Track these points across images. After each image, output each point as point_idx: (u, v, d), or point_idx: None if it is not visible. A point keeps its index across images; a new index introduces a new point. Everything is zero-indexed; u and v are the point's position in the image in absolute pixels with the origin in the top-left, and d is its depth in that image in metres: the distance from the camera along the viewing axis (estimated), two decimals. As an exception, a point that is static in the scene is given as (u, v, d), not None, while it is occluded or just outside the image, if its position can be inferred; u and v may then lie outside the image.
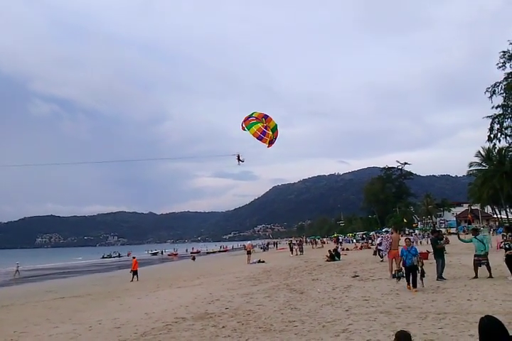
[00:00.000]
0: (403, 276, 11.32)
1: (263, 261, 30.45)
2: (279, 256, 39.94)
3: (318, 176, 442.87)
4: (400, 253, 11.66)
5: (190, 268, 33.52)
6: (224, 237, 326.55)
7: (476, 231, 13.69)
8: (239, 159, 16.27)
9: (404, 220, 70.22)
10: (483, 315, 6.84)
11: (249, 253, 35.05)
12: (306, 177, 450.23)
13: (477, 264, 12.23)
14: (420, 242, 36.49)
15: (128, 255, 73.28)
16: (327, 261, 25.25)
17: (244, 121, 15.17)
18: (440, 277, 12.55)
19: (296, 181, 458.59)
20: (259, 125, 15.08)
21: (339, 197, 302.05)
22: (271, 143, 15.41)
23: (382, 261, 20.58)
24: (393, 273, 12.70)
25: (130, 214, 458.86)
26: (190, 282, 19.62)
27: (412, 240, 16.12)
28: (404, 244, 11.51)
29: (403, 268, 11.24)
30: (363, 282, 13.72)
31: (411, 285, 10.78)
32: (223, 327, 8.18)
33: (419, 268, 10.90)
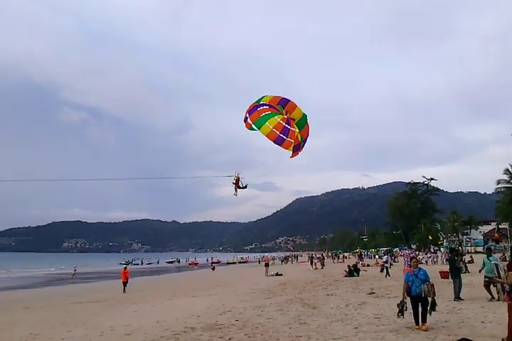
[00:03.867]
0: (405, 310, 8.37)
1: (281, 274, 30.25)
2: (298, 269, 39.60)
3: (342, 189, 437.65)
4: (404, 277, 8.81)
5: (209, 278, 33.65)
6: (245, 248, 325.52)
7: (489, 251, 13.16)
8: (237, 185, 11.32)
9: (430, 237, 68.30)
10: (495, 340, 6.63)
11: (267, 265, 34.93)
12: (330, 190, 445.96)
13: (486, 285, 11.79)
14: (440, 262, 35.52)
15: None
16: (345, 276, 24.91)
17: (250, 112, 9.84)
18: (457, 297, 12.20)
19: (320, 194, 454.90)
20: (277, 119, 9.80)
21: (363, 211, 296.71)
22: (297, 149, 10.02)
23: (386, 277, 22.53)
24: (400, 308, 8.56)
25: (154, 222, 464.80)
26: (206, 291, 19.70)
27: (423, 259, 14.54)
28: (407, 266, 9.71)
29: (407, 299, 8.39)
30: (378, 299, 13.48)
31: (420, 321, 8.20)
32: (229, 339, 8.22)
33: (430, 299, 8.21)
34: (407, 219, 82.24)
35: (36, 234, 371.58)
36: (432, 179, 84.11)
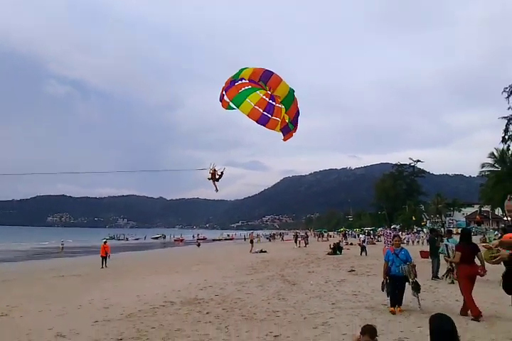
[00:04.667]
0: (386, 291, 8.01)
1: (265, 251, 30.61)
2: (283, 247, 40.10)
3: (329, 170, 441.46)
4: (384, 256, 8.37)
5: (193, 254, 33.88)
6: (232, 225, 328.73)
7: (450, 234, 12.69)
8: (214, 178, 10.03)
9: (413, 218, 69.65)
10: (468, 317, 6.74)
11: (252, 242, 35.30)
12: (318, 170, 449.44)
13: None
14: (421, 242, 36.33)
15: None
16: (328, 254, 25.30)
17: (227, 89, 8.55)
18: (435, 276, 12.45)
19: (308, 173, 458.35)
20: (259, 94, 8.69)
21: (350, 192, 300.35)
22: (287, 131, 8.75)
23: (362, 255, 23.89)
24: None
25: (140, 198, 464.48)
26: (189, 268, 19.81)
27: (405, 239, 13.69)
28: (390, 245, 9.00)
29: (386, 280, 8.00)
30: (358, 277, 13.71)
31: (396, 305, 7.76)
32: (207, 313, 8.26)
33: (411, 280, 7.85)
34: (392, 200, 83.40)
35: (20, 208, 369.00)
36: (418, 161, 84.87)
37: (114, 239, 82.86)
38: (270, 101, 8.71)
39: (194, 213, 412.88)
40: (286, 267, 18.05)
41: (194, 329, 6.93)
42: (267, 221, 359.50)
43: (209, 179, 10.16)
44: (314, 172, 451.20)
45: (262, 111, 8.72)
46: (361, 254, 24.14)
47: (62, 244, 43.74)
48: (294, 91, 8.53)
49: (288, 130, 8.76)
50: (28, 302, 10.49)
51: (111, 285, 13.76)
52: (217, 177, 10.14)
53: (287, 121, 8.59)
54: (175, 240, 78.81)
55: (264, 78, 8.08)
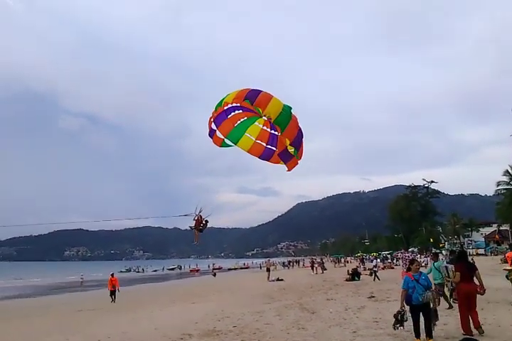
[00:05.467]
0: (405, 320, 7.29)
1: (282, 279, 30.12)
2: (299, 273, 39.47)
3: (342, 193, 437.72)
4: (402, 283, 7.59)
5: (209, 284, 33.52)
6: (247, 254, 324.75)
7: (436, 257, 12.14)
8: (198, 227, 8.99)
9: (431, 240, 68.11)
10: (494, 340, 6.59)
11: (268, 270, 34.81)
12: (331, 195, 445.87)
13: (438, 294, 10.28)
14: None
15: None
16: (346, 280, 24.80)
17: (217, 122, 7.68)
18: (456, 298, 12.11)
19: (321, 198, 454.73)
20: (258, 124, 7.90)
21: (364, 215, 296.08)
22: (287, 158, 7.63)
23: (374, 280, 23.50)
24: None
25: (155, 229, 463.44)
26: (206, 298, 19.62)
27: (423, 262, 12.39)
28: (407, 270, 8.09)
29: (406, 309, 7.32)
30: (378, 303, 13.41)
31: (425, 335, 7.13)
32: (226, 344, 8.17)
33: (432, 308, 7.33)
34: (407, 222, 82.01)
35: (37, 243, 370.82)
36: (432, 182, 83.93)
37: (130, 271, 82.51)
38: (272, 131, 7.86)
39: (208, 242, 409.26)
40: (304, 295, 17.75)
41: (214, 361, 6.86)
42: (282, 248, 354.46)
43: (191, 228, 8.97)
44: (327, 197, 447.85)
45: (264, 144, 7.89)
46: (374, 280, 23.71)
47: (81, 278, 44.08)
48: (290, 108, 7.46)
49: (289, 156, 7.63)
50: (46, 336, 10.50)
51: (128, 317, 13.69)
52: (201, 226, 8.95)
53: (287, 144, 7.48)
54: (191, 270, 78.13)
55: (251, 97, 7.09)
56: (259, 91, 7.17)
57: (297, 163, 7.91)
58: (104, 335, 10.15)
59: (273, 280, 30.17)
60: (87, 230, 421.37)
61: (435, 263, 11.18)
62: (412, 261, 8.11)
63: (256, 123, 7.91)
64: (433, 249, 63.74)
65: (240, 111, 7.71)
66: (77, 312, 16.80)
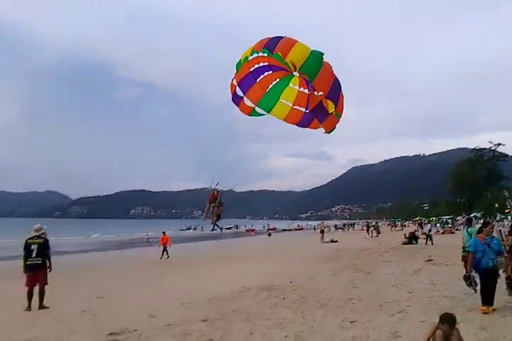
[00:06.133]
0: (474, 287, 6.85)
1: (336, 241, 30.41)
2: (354, 236, 39.52)
3: (400, 157, 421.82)
4: (472, 247, 7.10)
5: (265, 244, 34.67)
6: (301, 216, 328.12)
7: (470, 222, 11.33)
8: (213, 208, 8.66)
9: (496, 205, 64.57)
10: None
11: (322, 232, 35.19)
12: (388, 158, 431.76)
13: (465, 261, 9.12)
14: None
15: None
16: (403, 244, 24.54)
17: (243, 86, 6.65)
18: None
19: (377, 162, 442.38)
20: (293, 87, 6.81)
21: (423, 180, 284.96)
22: (322, 113, 6.30)
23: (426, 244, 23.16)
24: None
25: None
26: (262, 256, 20.40)
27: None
28: (479, 233, 7.43)
29: (474, 274, 6.86)
30: (436, 266, 13.25)
31: (488, 303, 6.62)
32: (284, 298, 8.59)
33: (505, 276, 7.05)
34: (470, 186, 77.88)
35: (105, 203, 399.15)
36: (499, 144, 78.10)
37: (190, 229, 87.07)
38: (304, 89, 6.75)
39: (263, 204, 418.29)
40: (359, 257, 17.89)
41: (272, 312, 7.28)
42: (336, 211, 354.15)
43: (208, 209, 8.42)
44: (384, 161, 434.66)
45: (303, 110, 6.83)
46: (426, 244, 23.33)
47: (147, 235, 46.70)
48: (322, 54, 6.03)
49: (323, 113, 6.22)
50: (119, 286, 11.61)
51: (190, 272, 14.69)
52: (217, 210, 8.34)
53: (319, 96, 6.06)
54: (247, 230, 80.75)
55: (270, 44, 5.90)
56: (281, 38, 6.00)
57: (336, 122, 6.53)
58: (171, 286, 11.05)
59: (327, 242, 30.53)
60: (150, 191, 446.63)
61: (468, 229, 10.77)
62: (486, 224, 7.59)
63: (291, 85, 6.83)
64: (497, 215, 60.64)
65: (270, 71, 6.60)
66: (145, 265, 18.26)
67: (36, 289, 8.42)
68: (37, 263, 8.45)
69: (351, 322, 6.40)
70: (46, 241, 8.79)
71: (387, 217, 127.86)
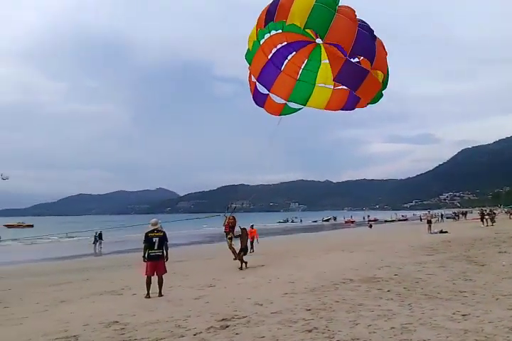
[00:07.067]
0: None
1: (445, 232, 28.44)
2: (466, 226, 36.55)
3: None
4: None
5: (366, 235, 33.80)
6: (404, 205, 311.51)
7: None
8: (231, 234, 9.33)
9: None
10: None
11: (429, 222, 33.12)
12: (503, 137, 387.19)
13: None
14: None
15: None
16: (524, 233, 22.08)
17: (264, 80, 5.50)
18: None
19: (491, 142, 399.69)
20: (327, 62, 5.40)
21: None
22: (357, 84, 4.84)
23: None
24: None
25: (308, 182, 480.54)
26: (363, 247, 19.97)
27: None
28: None
29: None
30: None
31: None
32: (388, 291, 8.40)
33: None
34: None
35: (209, 197, 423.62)
36: None
37: (287, 221, 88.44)
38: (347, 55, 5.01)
39: (362, 194, 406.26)
40: (472, 247, 16.56)
41: (376, 304, 7.19)
42: (445, 199, 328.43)
43: (228, 237, 9.01)
44: (499, 140, 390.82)
45: (346, 88, 5.31)
46: None
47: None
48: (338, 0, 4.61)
49: (355, 74, 4.69)
50: (227, 276, 12.39)
51: (291, 262, 15.03)
52: (241, 243, 8.85)
53: (339, 54, 4.70)
54: (346, 222, 79.47)
55: (270, 13, 4.79)
56: (278, 1, 4.79)
57: (378, 84, 4.89)
58: (274, 276, 11.47)
59: (435, 233, 28.72)
60: (249, 185, 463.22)
61: None
62: None
63: (323, 61, 5.50)
64: None
65: (293, 52, 5.31)
66: (251, 256, 19.10)
67: (153, 278, 9.43)
68: (158, 255, 9.46)
69: (463, 315, 6.06)
70: (165, 234, 9.80)
71: (505, 203, 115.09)
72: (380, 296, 7.90)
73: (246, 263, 13.53)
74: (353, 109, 5.54)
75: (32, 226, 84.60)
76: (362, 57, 4.67)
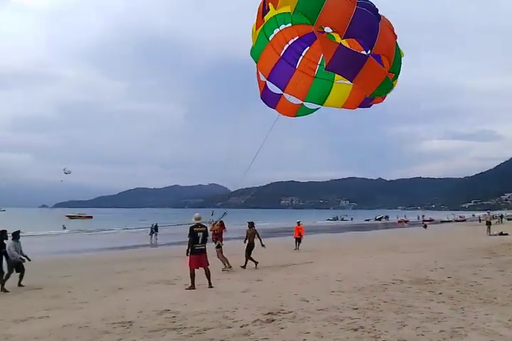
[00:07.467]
0: None
1: (506, 234, 26.77)
2: (531, 229, 34.07)
3: None
4: None
5: (420, 236, 32.65)
6: (462, 206, 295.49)
7: None
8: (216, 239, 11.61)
9: None
10: None
11: (488, 223, 31.30)
12: None
13: None
14: None
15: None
16: None
17: (280, 80, 5.10)
18: None
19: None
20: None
21: None
22: (354, 71, 4.33)
23: None
24: None
25: (360, 180, 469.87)
26: (416, 248, 19.36)
27: None
28: None
29: None
30: None
31: None
32: (440, 293, 8.13)
33: None
34: None
35: (259, 194, 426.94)
36: None
37: (337, 219, 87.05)
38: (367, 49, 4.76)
39: (417, 193, 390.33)
40: (536, 252, 15.52)
41: (426, 306, 7.00)
42: (506, 200, 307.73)
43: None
44: None
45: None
46: None
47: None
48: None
49: (352, 60, 4.23)
50: (273, 271, 12.55)
51: (341, 260, 14.93)
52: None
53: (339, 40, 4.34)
54: (399, 221, 76.84)
55: (264, 6, 4.59)
56: None
57: (381, 70, 4.34)
58: (321, 273, 11.46)
59: (494, 235, 27.13)
60: (299, 181, 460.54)
61: None
62: None
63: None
64: None
65: (307, 47, 4.86)
66: (295, 251, 19.19)
67: (197, 271, 9.72)
68: (202, 249, 9.81)
69: (521, 322, 5.77)
70: (206, 229, 10.19)
71: None
72: (431, 298, 7.67)
73: (257, 263, 13.30)
74: (370, 106, 5.17)
75: (91, 217, 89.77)
76: (355, 41, 4.23)
